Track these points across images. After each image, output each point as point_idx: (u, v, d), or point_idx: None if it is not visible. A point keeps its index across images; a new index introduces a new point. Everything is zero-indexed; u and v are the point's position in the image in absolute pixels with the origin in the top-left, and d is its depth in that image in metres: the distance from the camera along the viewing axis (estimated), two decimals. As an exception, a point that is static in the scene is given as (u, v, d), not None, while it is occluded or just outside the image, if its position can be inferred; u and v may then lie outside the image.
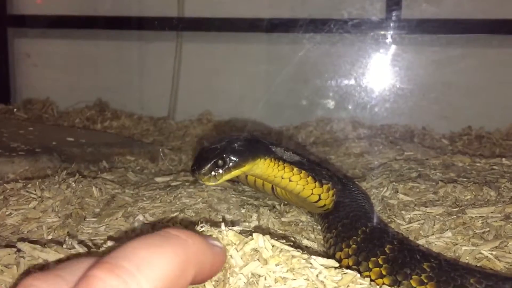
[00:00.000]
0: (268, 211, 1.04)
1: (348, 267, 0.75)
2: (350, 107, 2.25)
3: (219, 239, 0.57)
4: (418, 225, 0.97)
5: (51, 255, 0.72)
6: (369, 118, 2.22)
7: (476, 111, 2.16)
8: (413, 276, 0.70)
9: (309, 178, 0.91)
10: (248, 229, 0.68)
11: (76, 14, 2.43)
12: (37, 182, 1.11)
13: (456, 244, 0.88)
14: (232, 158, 0.82)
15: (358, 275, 0.57)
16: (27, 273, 0.67)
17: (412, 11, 2.12)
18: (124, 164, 1.56)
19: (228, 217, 1.00)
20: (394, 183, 1.20)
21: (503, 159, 1.41)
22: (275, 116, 2.30)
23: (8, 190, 1.08)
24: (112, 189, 1.20)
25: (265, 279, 0.54)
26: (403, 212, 1.04)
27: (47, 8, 2.51)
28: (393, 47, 2.19)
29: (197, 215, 1.00)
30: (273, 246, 0.61)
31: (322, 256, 0.58)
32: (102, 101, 2.44)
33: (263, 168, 0.88)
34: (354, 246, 0.80)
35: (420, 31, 2.13)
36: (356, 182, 1.30)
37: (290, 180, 0.90)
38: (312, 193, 0.92)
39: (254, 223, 0.97)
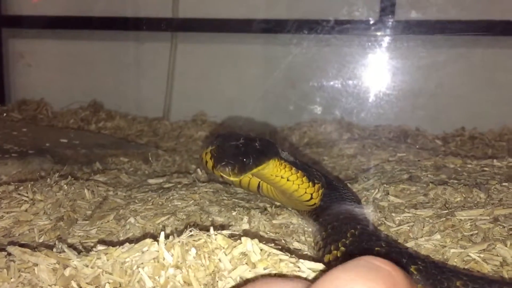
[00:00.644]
0: (259, 213, 1.04)
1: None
2: (344, 108, 2.26)
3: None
4: (408, 227, 0.98)
5: (41, 259, 0.72)
6: (363, 119, 2.23)
7: (470, 111, 2.17)
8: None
9: (304, 178, 0.93)
10: (237, 233, 0.68)
11: (71, 14, 2.43)
12: (29, 185, 1.11)
13: (445, 246, 0.89)
14: (255, 157, 0.85)
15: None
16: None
17: (406, 13, 2.13)
18: (118, 165, 1.56)
19: (219, 219, 1.00)
20: (385, 185, 1.21)
21: (494, 160, 1.42)
22: (269, 116, 2.31)
23: (-1, 193, 1.08)
24: (104, 191, 1.20)
25: (253, 283, 0.55)
26: (393, 214, 1.04)
27: (42, 9, 2.50)
28: (388, 48, 2.20)
29: (188, 217, 1.00)
30: (261, 250, 0.61)
31: (311, 259, 0.59)
32: (96, 102, 2.44)
33: (271, 168, 0.90)
34: (342, 248, 0.81)
35: (414, 32, 2.13)
36: (348, 184, 1.31)
37: (287, 180, 0.92)
38: (305, 192, 0.95)
39: (245, 226, 0.97)
